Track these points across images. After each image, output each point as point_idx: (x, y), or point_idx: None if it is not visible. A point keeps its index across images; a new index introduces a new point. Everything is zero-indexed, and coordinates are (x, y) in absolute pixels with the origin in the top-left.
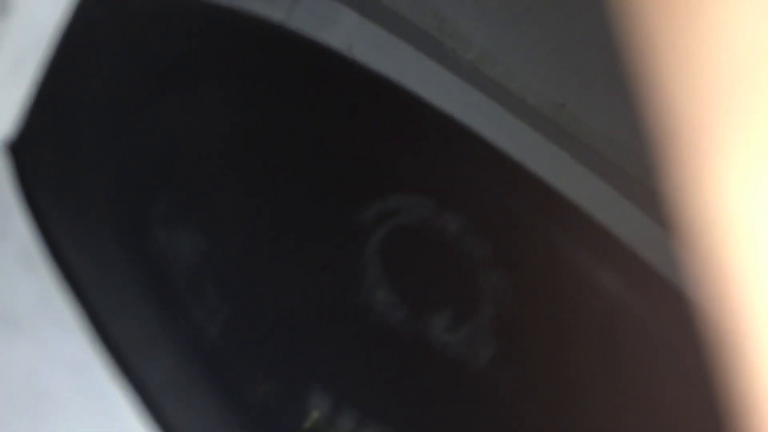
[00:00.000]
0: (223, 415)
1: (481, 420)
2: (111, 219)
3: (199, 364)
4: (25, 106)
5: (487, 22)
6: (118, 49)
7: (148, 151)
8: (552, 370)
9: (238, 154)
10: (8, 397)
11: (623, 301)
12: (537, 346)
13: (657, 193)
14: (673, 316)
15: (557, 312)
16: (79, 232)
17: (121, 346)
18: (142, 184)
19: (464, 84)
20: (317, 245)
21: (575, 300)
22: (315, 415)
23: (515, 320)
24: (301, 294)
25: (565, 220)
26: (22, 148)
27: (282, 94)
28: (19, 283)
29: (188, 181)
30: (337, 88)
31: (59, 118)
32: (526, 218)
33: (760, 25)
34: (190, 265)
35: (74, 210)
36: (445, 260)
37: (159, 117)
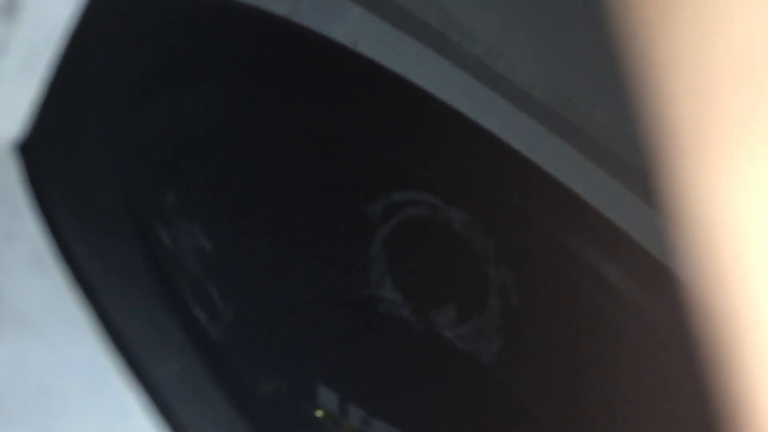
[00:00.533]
0: (231, 415)
1: (487, 414)
2: (120, 218)
3: (206, 363)
4: (35, 107)
5: (493, 16)
6: (125, 46)
7: (156, 148)
8: (557, 363)
9: (244, 149)
10: (19, 398)
11: (629, 295)
12: (543, 340)
13: (662, 186)
14: (679, 310)
15: (563, 306)
16: (89, 232)
17: (132, 347)
18: (150, 181)
19: (470, 78)
20: (323, 241)
21: (581, 294)
22: (321, 412)
23: (521, 314)
24: (307, 290)
25: (571, 214)
26: (32, 148)
27: (287, 89)
28: (30, 284)
29: (195, 176)
30: (342, 83)
31: (68, 118)
32: (532, 212)
33: (763, 23)
34: (196, 262)
35: (84, 210)
36: (451, 255)
37: (166, 113)
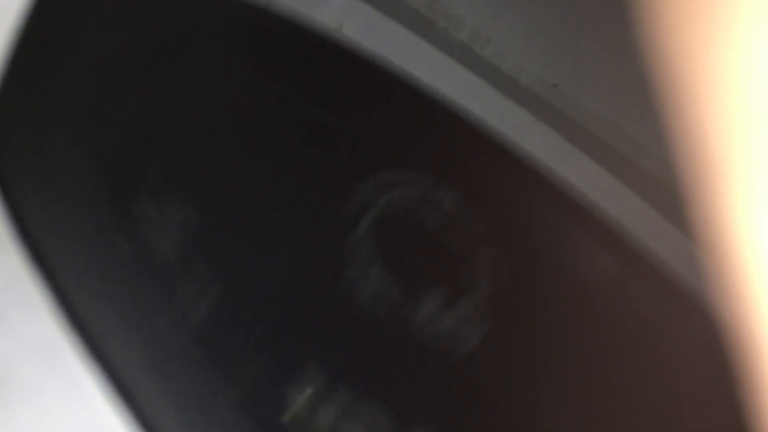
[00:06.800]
0: (211, 394)
1: (473, 398)
2: (90, 197)
3: (186, 343)
4: None
5: (479, 1)
6: (101, 22)
7: (136, 126)
8: (545, 349)
9: (229, 132)
10: None
11: (615, 282)
12: (530, 325)
13: (651, 175)
14: (664, 297)
15: (550, 291)
16: (52, 210)
17: (93, 330)
18: (129, 160)
19: (456, 64)
20: (310, 223)
21: (568, 279)
22: (308, 391)
23: (508, 299)
24: (294, 272)
25: (557, 200)
26: None
27: (272, 72)
28: None
29: (178, 156)
30: (327, 68)
31: (35, 91)
32: (519, 198)
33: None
34: (179, 242)
35: (48, 187)
36: (438, 240)
37: (146, 91)
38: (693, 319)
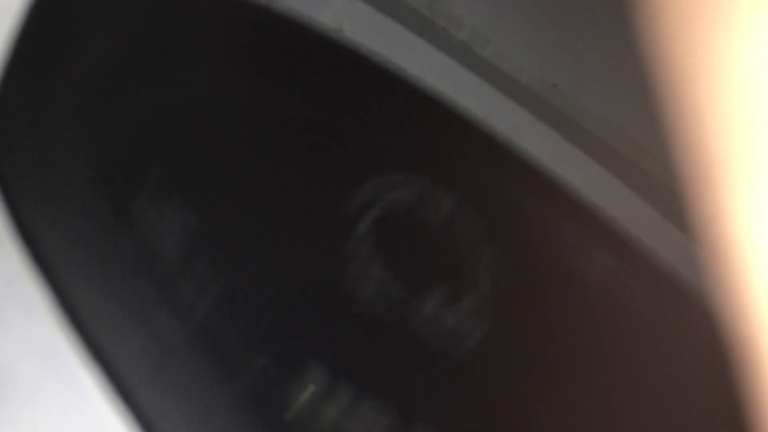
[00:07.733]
0: (212, 393)
1: (475, 397)
2: (90, 196)
3: (186, 342)
4: None
5: (479, 1)
6: (100, 22)
7: (136, 125)
8: (546, 347)
9: (229, 133)
10: None
11: (615, 281)
12: (531, 325)
13: (650, 174)
14: (664, 297)
15: (550, 291)
16: (51, 209)
17: (93, 330)
18: (129, 159)
19: (456, 64)
20: (311, 222)
21: (567, 280)
22: (311, 389)
23: (509, 299)
24: (295, 271)
25: (557, 200)
26: None
27: (272, 73)
28: None
29: (178, 157)
30: (326, 69)
31: (35, 91)
32: (519, 198)
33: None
34: (180, 240)
35: (48, 187)
36: (439, 239)
37: (146, 90)
38: (693, 318)
